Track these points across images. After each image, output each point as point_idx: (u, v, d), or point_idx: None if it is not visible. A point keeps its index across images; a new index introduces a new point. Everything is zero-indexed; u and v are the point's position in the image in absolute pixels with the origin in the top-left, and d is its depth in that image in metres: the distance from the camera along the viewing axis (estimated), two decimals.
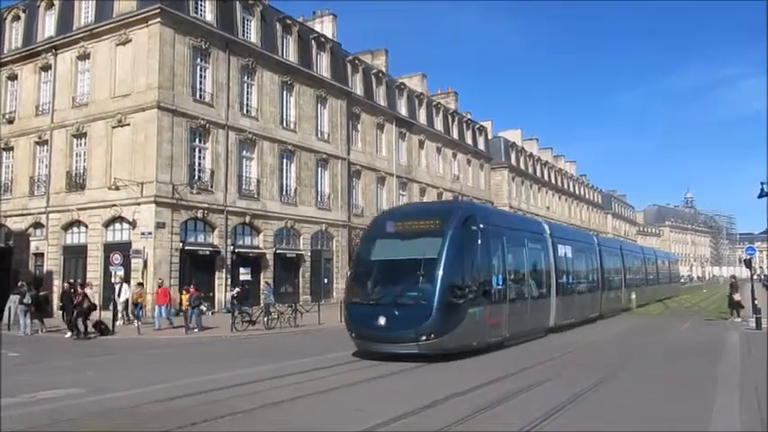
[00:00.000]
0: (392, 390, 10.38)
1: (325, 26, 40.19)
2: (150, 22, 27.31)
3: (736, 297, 24.02)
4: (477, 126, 58.47)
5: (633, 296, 30.66)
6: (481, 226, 14.19)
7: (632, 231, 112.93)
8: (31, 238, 30.76)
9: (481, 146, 58.65)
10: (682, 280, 75.82)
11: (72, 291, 20.79)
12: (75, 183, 29.48)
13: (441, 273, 12.76)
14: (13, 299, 21.82)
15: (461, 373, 11.86)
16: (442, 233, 13.28)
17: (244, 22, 32.00)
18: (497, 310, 14.60)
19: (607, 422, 7.82)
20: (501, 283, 14.77)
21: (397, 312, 12.58)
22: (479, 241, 13.90)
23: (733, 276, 30.36)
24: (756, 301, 22.22)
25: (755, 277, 24.73)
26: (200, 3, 29.65)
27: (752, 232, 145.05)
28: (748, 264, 26.05)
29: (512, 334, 15.31)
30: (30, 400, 9.39)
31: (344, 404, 9.07)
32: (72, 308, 19.80)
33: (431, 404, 8.55)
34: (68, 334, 19.64)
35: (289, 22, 34.92)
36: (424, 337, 12.40)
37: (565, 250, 20.71)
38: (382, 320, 12.56)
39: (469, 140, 56.23)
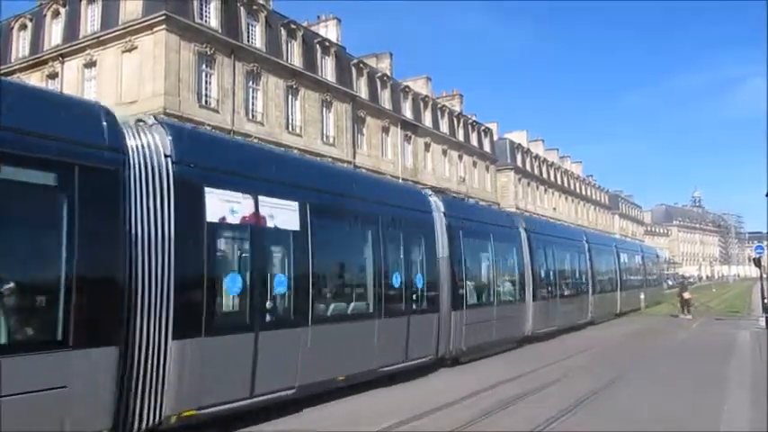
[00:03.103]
0: None
1: (329, 30, 40.27)
2: (156, 29, 27.50)
3: (686, 296, 26.54)
4: (483, 128, 58.41)
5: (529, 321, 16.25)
6: None
7: (640, 231, 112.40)
8: None
9: (487, 148, 58.60)
10: (689, 281, 72.35)
11: None
12: None
13: None
14: None
15: None
16: None
17: (248, 28, 32.13)
18: None
19: None
20: None
21: None
22: None
23: (683, 277, 31.64)
24: (766, 300, 22.09)
25: (765, 276, 24.53)
26: (204, 9, 29.79)
27: (761, 231, 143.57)
28: (757, 262, 25.89)
29: None
30: None
31: None
32: None
33: None
34: None
35: (293, 26, 35.02)
36: None
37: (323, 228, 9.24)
38: None
39: (475, 142, 56.19)
